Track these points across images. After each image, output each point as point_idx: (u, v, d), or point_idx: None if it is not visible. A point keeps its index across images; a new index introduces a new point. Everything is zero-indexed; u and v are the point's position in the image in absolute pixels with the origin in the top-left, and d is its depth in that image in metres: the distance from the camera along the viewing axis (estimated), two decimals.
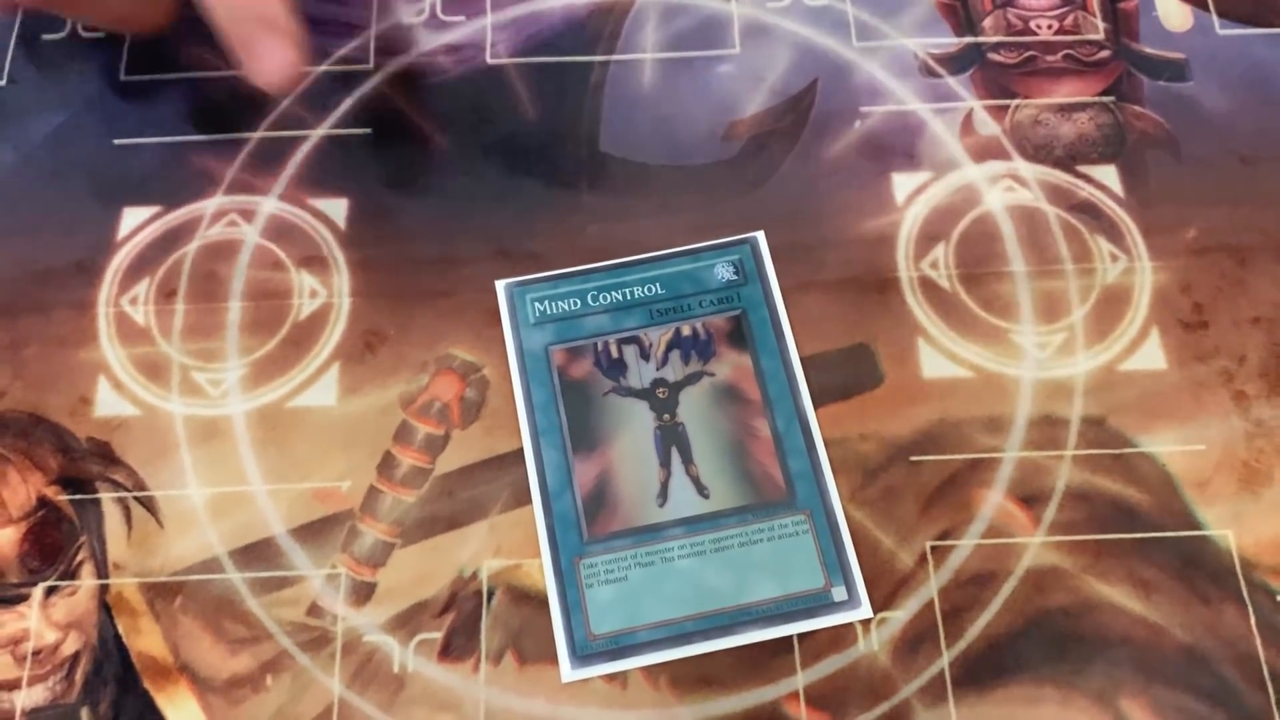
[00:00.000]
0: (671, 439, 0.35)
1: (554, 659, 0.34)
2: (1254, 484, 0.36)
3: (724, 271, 0.38)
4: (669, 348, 0.36)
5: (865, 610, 0.34)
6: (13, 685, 0.34)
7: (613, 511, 0.35)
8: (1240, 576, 0.35)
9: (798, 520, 0.35)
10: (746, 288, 0.37)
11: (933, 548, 0.36)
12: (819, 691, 0.34)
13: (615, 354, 0.36)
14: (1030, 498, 0.36)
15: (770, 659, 0.34)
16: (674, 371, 0.36)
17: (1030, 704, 0.34)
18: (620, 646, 0.33)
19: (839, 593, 0.34)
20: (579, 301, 0.37)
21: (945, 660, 0.34)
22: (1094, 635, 0.34)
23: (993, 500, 0.36)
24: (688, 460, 0.35)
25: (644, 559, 0.34)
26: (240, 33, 0.35)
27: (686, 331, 0.37)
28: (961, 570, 0.35)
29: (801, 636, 0.34)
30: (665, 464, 0.35)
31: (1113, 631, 0.35)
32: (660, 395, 0.36)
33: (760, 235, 0.39)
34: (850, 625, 0.34)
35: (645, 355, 0.36)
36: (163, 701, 0.34)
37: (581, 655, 0.33)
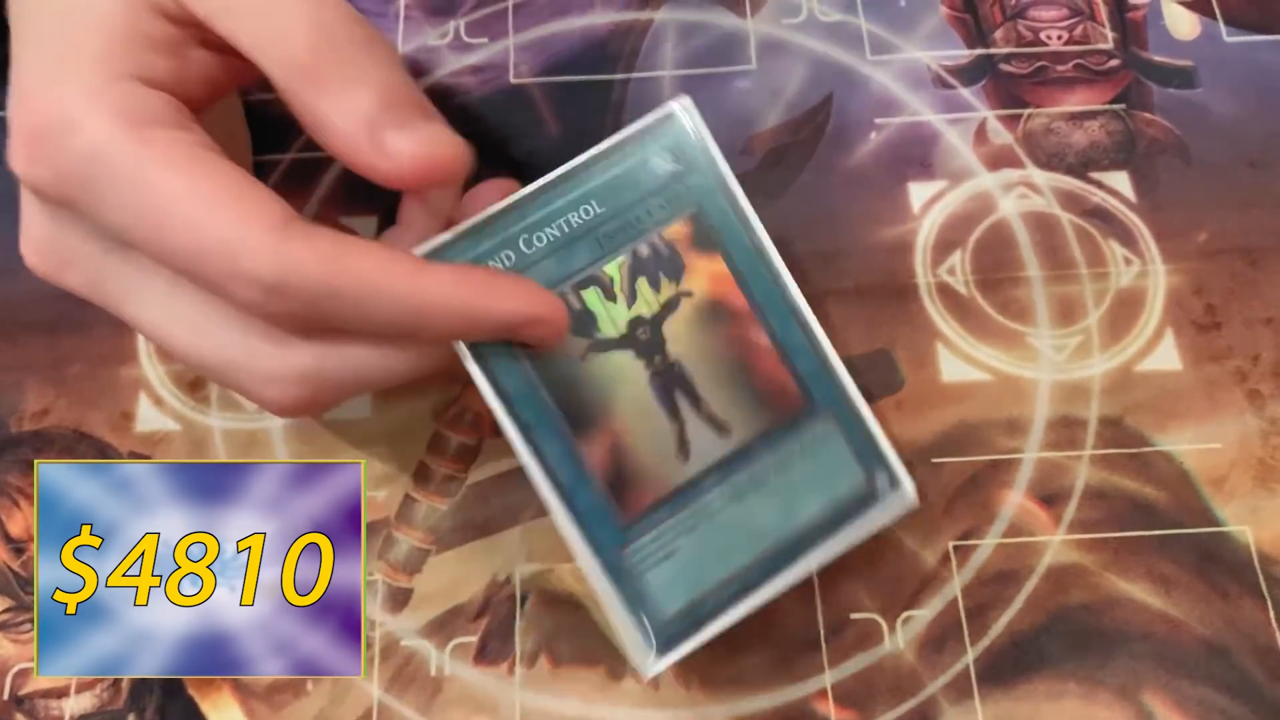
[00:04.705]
0: (672, 384, 0.31)
1: (588, 661, 0.35)
2: (1270, 480, 0.37)
3: (661, 163, 0.32)
4: (632, 276, 0.32)
5: (908, 492, 0.32)
6: (62, 693, 0.35)
7: (639, 485, 0.31)
8: (1258, 571, 0.36)
9: (824, 424, 0.32)
10: (692, 176, 0.32)
11: (955, 547, 0.36)
12: (846, 689, 0.35)
13: (577, 304, 0.31)
14: (1050, 497, 0.37)
15: (798, 657, 0.35)
16: (647, 304, 0.32)
17: (1054, 699, 0.34)
18: (695, 619, 0.30)
19: (881, 480, 0.32)
20: (512, 254, 0.31)
21: (970, 657, 0.35)
22: (1115, 631, 0.35)
23: (1013, 500, 0.37)
24: (695, 402, 0.32)
25: (688, 523, 0.31)
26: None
27: (645, 252, 0.32)
28: (984, 569, 0.36)
29: (828, 636, 0.35)
30: (674, 414, 0.32)
31: (1134, 627, 0.35)
32: (642, 337, 0.32)
33: (680, 105, 0.32)
34: (876, 622, 0.35)
35: (610, 294, 0.31)
36: (206, 707, 0.35)
37: (662, 643, 0.30)
